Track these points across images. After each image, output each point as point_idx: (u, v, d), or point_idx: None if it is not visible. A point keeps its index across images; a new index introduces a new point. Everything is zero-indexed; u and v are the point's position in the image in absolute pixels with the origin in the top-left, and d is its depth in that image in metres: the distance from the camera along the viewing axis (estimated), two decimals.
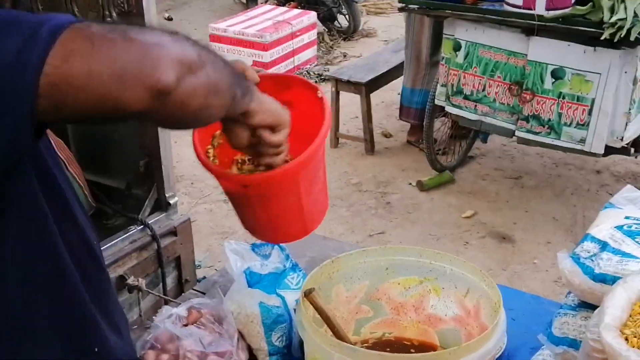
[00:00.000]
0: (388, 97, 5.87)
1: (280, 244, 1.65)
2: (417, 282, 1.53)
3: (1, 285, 0.95)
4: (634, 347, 1.11)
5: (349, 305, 1.54)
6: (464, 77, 4.11)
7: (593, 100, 3.66)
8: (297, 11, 7.01)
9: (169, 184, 2.84)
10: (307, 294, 1.36)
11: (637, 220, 1.40)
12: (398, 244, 3.91)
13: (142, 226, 2.75)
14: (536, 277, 3.75)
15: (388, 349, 1.51)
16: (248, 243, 1.66)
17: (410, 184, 4.74)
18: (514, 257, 3.93)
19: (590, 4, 3.52)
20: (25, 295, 0.97)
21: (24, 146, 0.82)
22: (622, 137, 3.71)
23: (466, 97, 4.16)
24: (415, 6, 4.22)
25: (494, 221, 4.27)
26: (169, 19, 8.50)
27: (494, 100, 4.04)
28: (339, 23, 7.76)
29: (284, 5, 7.49)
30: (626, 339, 1.12)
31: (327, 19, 7.69)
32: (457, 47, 4.11)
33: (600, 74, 3.60)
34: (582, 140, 3.77)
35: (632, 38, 3.38)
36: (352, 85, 5.08)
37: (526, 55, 3.81)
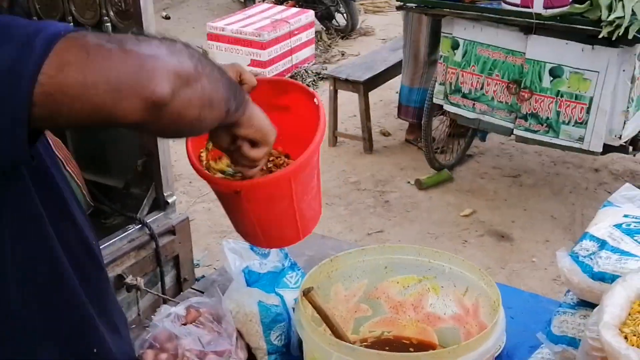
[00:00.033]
0: (386, 95, 5.86)
1: None
2: (416, 280, 1.53)
3: (1, 286, 0.95)
4: (633, 345, 1.11)
5: (348, 304, 1.53)
6: (462, 76, 4.11)
7: (591, 99, 3.66)
8: (295, 10, 7.00)
9: (167, 183, 2.85)
10: (306, 293, 1.36)
11: (635, 218, 1.40)
12: (397, 243, 3.90)
13: (140, 225, 2.75)
14: (535, 275, 3.75)
15: (387, 348, 1.50)
16: (246, 242, 1.66)
17: (408, 182, 4.74)
18: (513, 256, 3.93)
19: (588, 2, 3.52)
20: (25, 295, 0.97)
21: (18, 153, 0.82)
22: (621, 136, 3.71)
23: (464, 96, 4.16)
24: (413, 5, 4.21)
25: (493, 219, 4.27)
26: (167, 17, 8.48)
27: (492, 98, 4.04)
28: (336, 22, 7.76)
29: (281, 3, 7.49)
30: (625, 338, 1.12)
31: (325, 17, 7.69)
32: (455, 46, 4.10)
33: (598, 72, 3.60)
34: (581, 139, 3.77)
35: (630, 36, 3.38)
36: (350, 84, 5.08)
37: (524, 53, 3.81)
